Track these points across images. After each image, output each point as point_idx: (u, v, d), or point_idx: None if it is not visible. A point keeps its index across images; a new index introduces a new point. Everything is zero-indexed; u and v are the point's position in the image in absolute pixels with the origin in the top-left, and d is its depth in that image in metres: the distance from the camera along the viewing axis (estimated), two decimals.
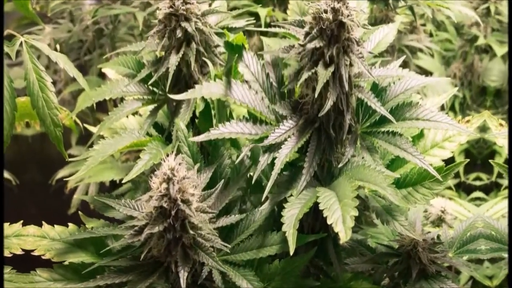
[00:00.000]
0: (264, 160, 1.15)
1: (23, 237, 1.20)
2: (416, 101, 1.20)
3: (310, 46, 1.09)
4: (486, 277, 1.50)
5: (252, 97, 1.21)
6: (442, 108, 1.41)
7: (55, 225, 1.21)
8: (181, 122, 1.25)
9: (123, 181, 1.20)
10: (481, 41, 2.62)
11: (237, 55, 1.28)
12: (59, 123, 1.20)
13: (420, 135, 1.35)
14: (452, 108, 2.61)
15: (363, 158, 1.16)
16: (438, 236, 1.39)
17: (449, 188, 2.26)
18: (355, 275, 1.34)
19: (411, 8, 2.05)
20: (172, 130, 1.29)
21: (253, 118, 1.20)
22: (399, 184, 1.23)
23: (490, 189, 2.43)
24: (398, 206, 1.16)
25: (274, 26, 1.20)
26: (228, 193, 1.23)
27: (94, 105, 1.35)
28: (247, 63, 1.27)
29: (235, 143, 1.33)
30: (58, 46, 1.43)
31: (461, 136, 1.33)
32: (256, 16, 2.40)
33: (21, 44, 1.20)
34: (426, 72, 2.57)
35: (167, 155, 1.00)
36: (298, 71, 1.15)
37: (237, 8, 2.56)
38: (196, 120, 1.36)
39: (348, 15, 1.07)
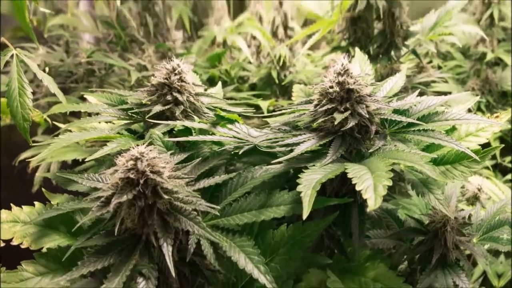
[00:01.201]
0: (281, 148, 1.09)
1: None
2: (442, 110, 1.19)
3: (321, 109, 1.10)
4: (497, 274, 1.47)
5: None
6: (469, 111, 1.39)
7: (22, 206, 1.17)
8: (157, 131, 1.19)
9: (86, 159, 1.14)
10: (490, 56, 2.57)
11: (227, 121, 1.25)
12: (28, 118, 1.22)
13: (453, 129, 1.32)
14: (479, 109, 2.58)
15: (395, 146, 1.10)
16: (470, 216, 1.34)
17: (487, 168, 2.26)
18: (373, 254, 1.20)
19: (414, 51, 2.02)
20: (145, 133, 1.24)
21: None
22: (436, 162, 1.17)
23: None
24: (436, 180, 1.10)
25: (280, 109, 1.19)
26: (206, 163, 1.10)
27: (68, 112, 1.34)
28: (238, 127, 1.24)
29: (218, 143, 1.24)
30: (47, 69, 1.45)
31: (493, 127, 1.31)
32: (257, 107, 2.22)
33: (12, 56, 1.26)
34: (445, 94, 2.50)
35: (137, 145, 0.92)
36: (313, 120, 1.13)
37: (234, 99, 2.51)
38: (174, 132, 1.29)
39: (354, 82, 1.09)
